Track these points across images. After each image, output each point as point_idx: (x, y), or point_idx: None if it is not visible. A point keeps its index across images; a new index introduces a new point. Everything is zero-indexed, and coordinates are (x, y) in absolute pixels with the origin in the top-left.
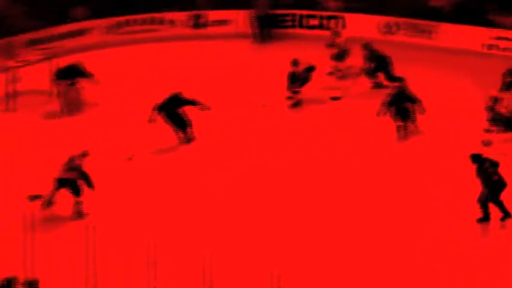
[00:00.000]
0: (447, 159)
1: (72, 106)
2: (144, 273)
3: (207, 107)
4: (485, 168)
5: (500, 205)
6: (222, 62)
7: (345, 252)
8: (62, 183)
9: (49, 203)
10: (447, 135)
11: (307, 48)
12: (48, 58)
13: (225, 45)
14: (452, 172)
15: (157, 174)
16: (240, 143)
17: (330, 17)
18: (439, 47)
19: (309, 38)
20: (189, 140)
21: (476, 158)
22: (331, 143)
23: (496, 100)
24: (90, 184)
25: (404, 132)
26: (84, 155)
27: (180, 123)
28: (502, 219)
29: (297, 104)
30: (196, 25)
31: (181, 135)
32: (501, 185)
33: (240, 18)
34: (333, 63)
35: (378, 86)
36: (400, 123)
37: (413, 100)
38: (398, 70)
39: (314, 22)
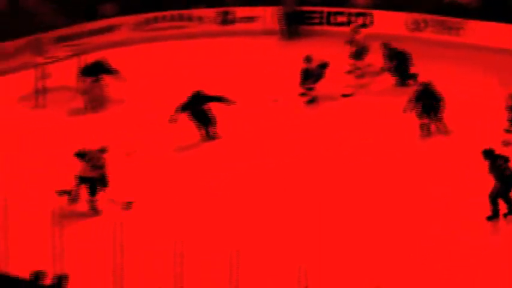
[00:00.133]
0: (465, 159)
1: (96, 103)
2: (170, 270)
3: (232, 102)
4: (498, 164)
5: (509, 202)
6: (249, 58)
7: (369, 247)
8: (83, 180)
9: (74, 198)
10: (468, 134)
11: (334, 45)
12: (76, 54)
13: (252, 42)
14: (468, 171)
15: (180, 171)
16: (256, 140)
17: (358, 14)
18: (467, 44)
19: (337, 35)
20: (212, 137)
21: (489, 154)
22: (349, 140)
23: None
24: (105, 184)
25: (427, 131)
26: (102, 151)
27: (204, 121)
28: (505, 215)
29: (312, 101)
30: (224, 22)
31: (204, 132)
32: None
33: (267, 15)
34: (352, 61)
35: (402, 84)
36: (425, 121)
37: (437, 98)
38: (425, 67)
39: (342, 19)
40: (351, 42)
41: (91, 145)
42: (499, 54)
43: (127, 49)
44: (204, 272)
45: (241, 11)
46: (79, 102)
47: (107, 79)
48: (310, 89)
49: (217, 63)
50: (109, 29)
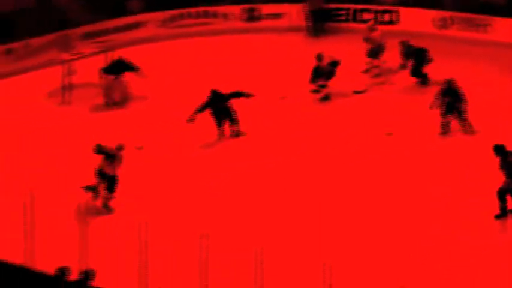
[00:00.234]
0: (482, 158)
1: (118, 100)
2: (195, 267)
3: (251, 94)
4: (510, 160)
5: None
6: (275, 55)
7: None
8: (102, 176)
9: (97, 194)
10: (491, 134)
11: (360, 42)
12: (103, 51)
13: (278, 38)
14: (485, 171)
15: (199, 169)
16: (269, 136)
17: (384, 11)
18: (494, 42)
19: (363, 33)
20: (236, 134)
21: (500, 150)
22: (362, 136)
23: None
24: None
25: (447, 129)
26: (119, 148)
27: (226, 118)
28: (510, 211)
29: (326, 98)
30: (250, 18)
31: (226, 129)
32: None
33: (293, 12)
34: (368, 59)
35: (423, 82)
36: (448, 120)
37: (460, 97)
38: (451, 64)
39: (368, 16)
40: (367, 40)
41: (111, 142)
42: None
43: (153, 46)
44: (229, 269)
45: (267, 8)
46: (102, 98)
47: (128, 76)
48: (323, 86)
49: (242, 60)
50: (135, 26)
